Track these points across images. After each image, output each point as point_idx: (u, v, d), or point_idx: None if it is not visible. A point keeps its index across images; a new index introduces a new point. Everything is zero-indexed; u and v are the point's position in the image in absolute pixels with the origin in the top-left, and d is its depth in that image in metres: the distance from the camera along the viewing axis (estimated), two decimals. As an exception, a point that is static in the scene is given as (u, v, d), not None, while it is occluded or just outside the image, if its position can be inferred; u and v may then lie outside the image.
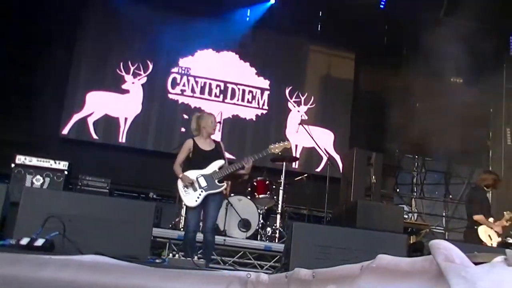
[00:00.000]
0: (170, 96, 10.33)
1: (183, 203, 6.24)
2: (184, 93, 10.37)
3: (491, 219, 7.12)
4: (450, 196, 11.54)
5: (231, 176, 6.10)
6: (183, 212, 7.39)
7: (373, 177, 7.83)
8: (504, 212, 7.22)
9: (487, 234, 6.98)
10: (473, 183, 9.60)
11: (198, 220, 5.90)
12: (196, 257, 4.92)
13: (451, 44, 9.75)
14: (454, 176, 11.55)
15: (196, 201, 5.67)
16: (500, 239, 7.01)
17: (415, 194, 11.61)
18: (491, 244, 6.77)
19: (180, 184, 5.77)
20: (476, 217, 7.09)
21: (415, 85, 11.17)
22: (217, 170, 5.79)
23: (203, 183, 5.71)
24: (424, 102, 11.41)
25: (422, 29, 9.49)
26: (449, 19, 9.83)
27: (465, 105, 11.01)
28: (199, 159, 5.84)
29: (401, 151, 11.54)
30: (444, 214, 11.53)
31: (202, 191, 5.68)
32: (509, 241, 7.70)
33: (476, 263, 1.76)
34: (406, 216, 9.78)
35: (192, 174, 5.76)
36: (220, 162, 5.85)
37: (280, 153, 6.37)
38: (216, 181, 5.75)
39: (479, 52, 9.97)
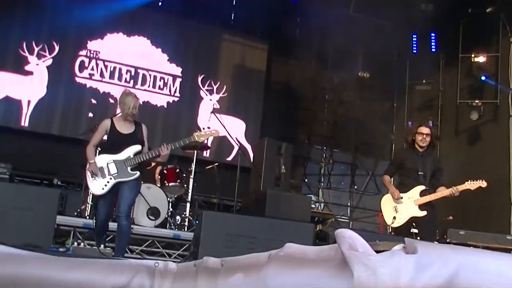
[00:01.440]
0: (77, 79, 9.92)
1: (90, 191, 5.77)
2: (93, 77, 10.00)
3: (418, 188, 5.73)
4: (355, 187, 11.99)
5: (147, 164, 5.83)
6: (89, 199, 7.16)
7: (283, 167, 7.95)
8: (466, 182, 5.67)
9: (392, 206, 5.83)
10: None
11: (109, 209, 5.47)
12: (102, 245, 4.80)
13: (360, 39, 10.11)
14: (360, 167, 12.00)
15: (103, 189, 5.24)
16: (420, 213, 5.68)
17: (322, 184, 11.96)
18: (393, 220, 5.75)
19: (88, 169, 5.34)
20: (383, 177, 6.27)
21: (325, 78, 11.49)
22: (132, 157, 5.30)
23: (113, 169, 5.25)
24: (333, 95, 11.77)
25: (333, 23, 9.75)
26: (359, 15, 10.15)
27: (371, 99, 11.48)
28: (113, 142, 5.36)
29: (310, 142, 11.83)
30: (349, 204, 11.96)
31: (111, 179, 5.24)
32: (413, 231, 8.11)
33: (378, 251, 1.83)
34: (313, 206, 10.08)
35: (103, 159, 5.32)
36: (136, 148, 5.35)
37: (205, 141, 6.05)
38: (128, 168, 5.28)
39: (385, 49, 10.41)
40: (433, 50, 10.61)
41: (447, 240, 7.06)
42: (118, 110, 5.70)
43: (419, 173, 5.81)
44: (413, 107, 11.52)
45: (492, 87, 9.55)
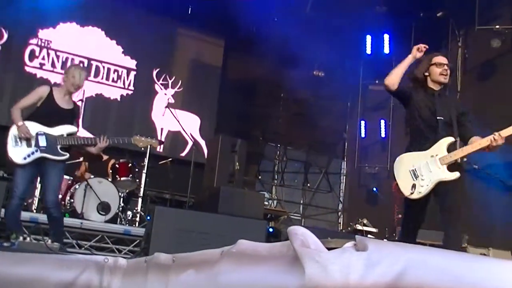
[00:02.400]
0: (27, 69, 9.63)
1: (9, 156, 4.87)
2: (43, 67, 9.72)
3: (445, 141, 4.15)
4: (308, 185, 12.12)
5: (78, 149, 5.38)
6: (37, 192, 6.98)
7: (237, 164, 7.95)
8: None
9: (409, 169, 4.21)
10: None
11: (27, 188, 4.97)
12: (49, 240, 4.65)
13: (315, 38, 10.20)
14: (313, 165, 12.13)
15: (25, 159, 4.77)
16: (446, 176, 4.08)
17: (276, 181, 12.03)
18: (413, 190, 4.11)
19: (12, 132, 4.83)
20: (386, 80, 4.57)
21: (280, 76, 11.55)
22: (65, 136, 4.94)
23: (43, 142, 4.82)
24: (288, 93, 11.84)
25: (289, 22, 9.81)
26: (315, 14, 10.24)
27: (325, 98, 11.62)
28: (49, 113, 4.93)
29: (265, 139, 11.88)
30: (301, 201, 12.08)
31: (36, 151, 4.79)
32: (358, 228, 8.29)
33: (329, 249, 1.85)
34: (266, 203, 10.14)
35: (32, 127, 4.85)
36: (71, 128, 5.02)
37: (142, 148, 5.64)
38: (58, 147, 4.88)
39: (340, 49, 10.55)
40: (386, 51, 10.82)
41: (396, 238, 7.22)
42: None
43: (438, 118, 4.21)
44: (366, 107, 11.73)
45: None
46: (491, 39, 8.45)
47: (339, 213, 12.04)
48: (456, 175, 4.08)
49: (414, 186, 4.13)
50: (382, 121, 10.99)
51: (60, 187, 5.31)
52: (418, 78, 4.52)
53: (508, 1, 8.55)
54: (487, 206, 7.78)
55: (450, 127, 4.22)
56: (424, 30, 10.02)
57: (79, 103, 6.03)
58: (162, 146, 9.98)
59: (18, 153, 4.81)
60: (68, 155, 4.99)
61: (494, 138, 3.97)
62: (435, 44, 10.03)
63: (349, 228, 9.08)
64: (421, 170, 4.16)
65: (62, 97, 5.05)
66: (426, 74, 4.45)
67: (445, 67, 4.39)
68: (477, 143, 4.08)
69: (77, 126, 5.16)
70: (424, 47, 4.53)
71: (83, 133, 7.51)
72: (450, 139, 4.16)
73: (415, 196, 4.13)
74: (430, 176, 4.11)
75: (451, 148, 4.15)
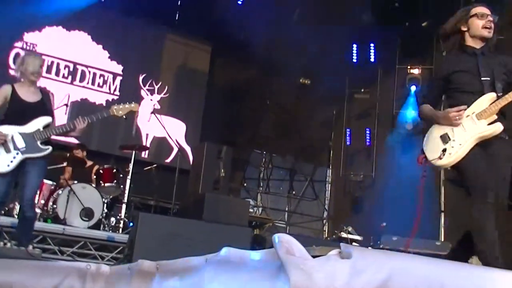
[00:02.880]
0: (11, 72, 9.51)
1: None
2: (28, 71, 9.63)
3: (486, 97, 3.41)
4: (294, 192, 12.11)
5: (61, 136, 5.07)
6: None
7: (222, 170, 7.93)
8: None
9: (439, 134, 3.53)
10: None
11: (8, 190, 4.71)
12: (31, 246, 4.57)
13: (302, 46, 10.25)
14: (298, 173, 12.14)
15: (9, 166, 4.56)
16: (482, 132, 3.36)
17: (261, 188, 12.02)
18: (442, 154, 3.40)
19: None
20: (421, 109, 3.73)
21: (267, 83, 11.57)
22: (41, 130, 4.70)
23: (21, 143, 4.60)
24: (274, 100, 11.87)
25: (276, 29, 9.85)
26: (302, 22, 10.28)
27: (311, 105, 11.66)
28: (17, 111, 4.67)
29: (251, 146, 11.87)
30: (287, 209, 12.07)
31: (17, 154, 4.59)
32: (343, 236, 8.30)
33: (314, 256, 1.84)
34: (251, 210, 10.10)
35: (6, 130, 4.61)
36: (46, 119, 4.75)
37: (124, 116, 5.35)
38: (38, 142, 4.66)
39: (327, 57, 10.60)
40: (372, 60, 10.90)
41: (381, 246, 7.24)
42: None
43: (483, 79, 3.46)
44: (352, 115, 11.79)
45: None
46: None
47: (324, 221, 12.05)
48: (497, 127, 3.34)
49: (444, 150, 3.44)
50: (367, 129, 11.06)
51: (38, 185, 5.08)
52: (453, 30, 3.62)
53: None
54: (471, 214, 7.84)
55: (495, 87, 3.45)
56: (410, 40, 10.14)
57: (63, 108, 5.90)
58: (147, 151, 9.94)
59: (0, 161, 4.59)
60: (50, 148, 4.75)
61: None
62: (420, 53, 10.16)
63: (334, 236, 9.10)
64: (454, 133, 3.45)
65: (26, 91, 4.79)
66: (464, 29, 3.58)
67: (489, 18, 3.54)
68: None
69: (52, 115, 4.89)
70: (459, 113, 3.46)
71: (69, 139, 7.42)
72: (491, 95, 3.40)
73: (445, 160, 3.42)
74: (464, 135, 3.39)
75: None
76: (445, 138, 3.47)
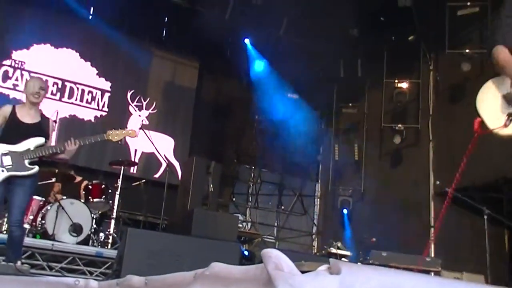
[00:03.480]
0: (0, 89, 9.51)
1: None
2: (17, 88, 9.61)
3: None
4: (282, 207, 12.11)
5: (51, 158, 5.17)
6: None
7: (211, 185, 7.93)
8: None
9: (500, 96, 2.82)
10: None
11: None
12: (19, 262, 4.54)
13: (289, 61, 10.32)
14: (287, 188, 12.14)
15: None
16: None
17: (250, 203, 12.00)
18: (508, 119, 2.70)
19: None
20: (496, 51, 2.81)
21: (255, 98, 11.62)
22: (32, 149, 4.82)
23: (7, 161, 4.72)
24: (262, 115, 11.91)
25: (263, 44, 9.91)
26: (289, 37, 10.35)
27: (300, 120, 11.71)
28: (13, 131, 4.84)
29: (239, 161, 11.88)
30: (275, 224, 12.05)
31: (2, 171, 4.70)
32: (332, 251, 8.29)
33: (303, 272, 1.85)
34: (240, 225, 10.09)
35: None
36: (38, 140, 4.88)
37: (120, 142, 5.49)
38: (26, 161, 4.78)
39: (314, 72, 10.68)
40: (359, 74, 10.97)
41: (370, 261, 7.24)
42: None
43: None
44: (340, 129, 11.84)
45: (414, 112, 10.00)
46: (461, 62, 8.66)
47: (313, 236, 12.05)
48: None
49: (510, 115, 2.70)
50: (356, 144, 11.10)
51: (26, 203, 5.14)
52: None
53: (477, 25, 8.79)
54: (461, 230, 7.88)
55: None
56: (396, 54, 10.24)
57: (53, 124, 5.89)
58: (135, 167, 9.90)
59: None
60: (37, 167, 4.86)
61: None
62: (407, 67, 10.26)
63: (323, 251, 9.08)
64: None
65: (26, 112, 4.97)
66: None
67: None
68: None
69: (47, 137, 5.01)
70: None
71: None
72: None
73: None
74: None
75: None
76: (511, 99, 2.70)
